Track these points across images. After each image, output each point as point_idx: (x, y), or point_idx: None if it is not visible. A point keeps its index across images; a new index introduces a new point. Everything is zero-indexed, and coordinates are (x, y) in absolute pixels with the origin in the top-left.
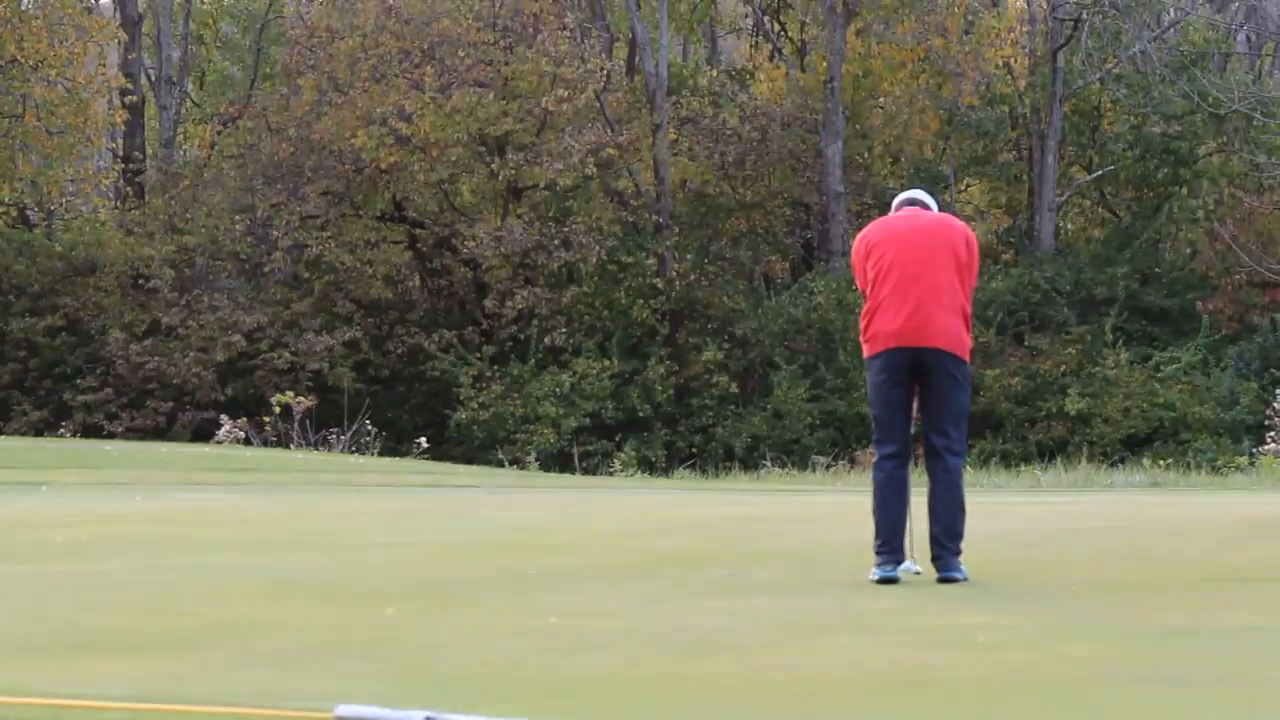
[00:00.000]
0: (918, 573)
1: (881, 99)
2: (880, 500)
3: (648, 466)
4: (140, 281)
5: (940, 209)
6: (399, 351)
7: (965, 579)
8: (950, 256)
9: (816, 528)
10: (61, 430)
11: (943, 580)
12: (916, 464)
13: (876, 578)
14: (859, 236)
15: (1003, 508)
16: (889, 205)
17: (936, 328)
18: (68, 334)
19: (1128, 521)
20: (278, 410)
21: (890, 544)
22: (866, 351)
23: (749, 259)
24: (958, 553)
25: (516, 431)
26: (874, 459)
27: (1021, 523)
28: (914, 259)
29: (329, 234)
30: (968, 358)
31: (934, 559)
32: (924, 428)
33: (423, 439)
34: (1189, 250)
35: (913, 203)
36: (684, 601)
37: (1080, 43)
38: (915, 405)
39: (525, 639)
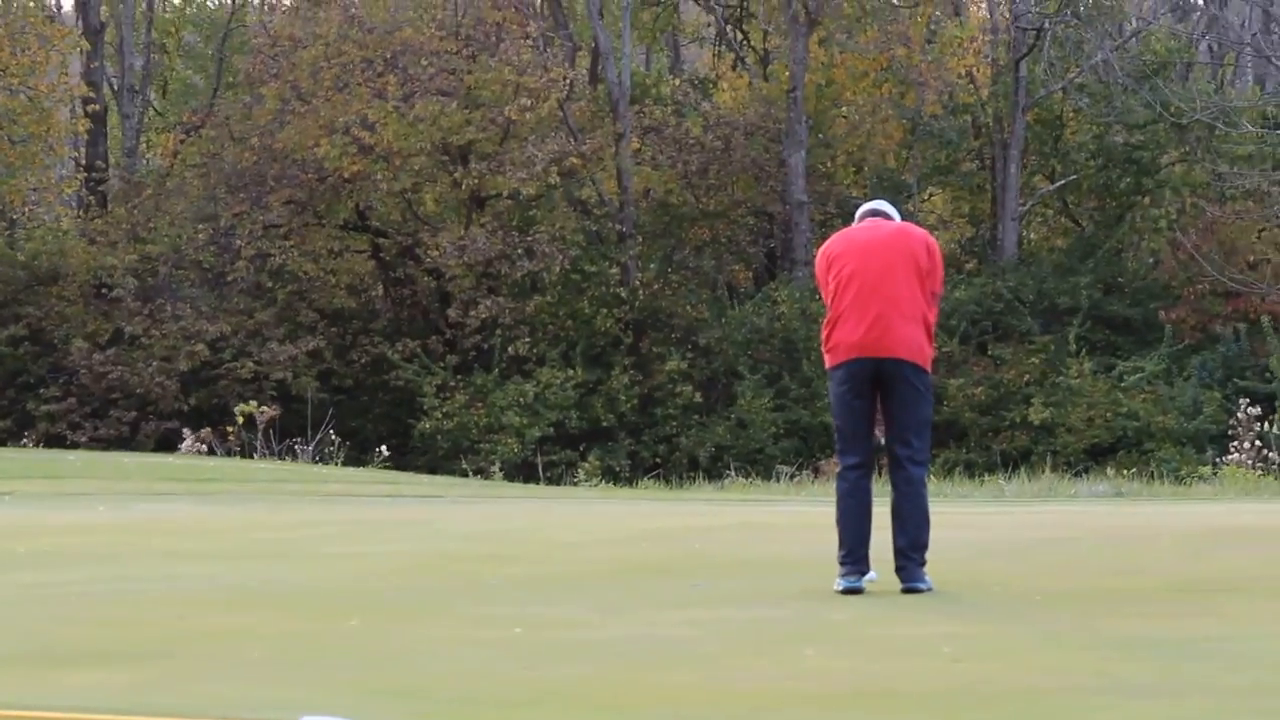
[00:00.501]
0: (873, 579)
1: (844, 108)
2: (844, 511)
3: (612, 476)
4: (103, 291)
5: (903, 218)
6: (362, 361)
7: (930, 589)
8: (911, 265)
9: (781, 537)
10: (24, 440)
11: (907, 591)
12: (880, 474)
13: (841, 588)
14: (821, 249)
15: (967, 517)
16: (852, 214)
17: (897, 338)
18: (30, 343)
19: (1091, 531)
20: (241, 420)
21: (855, 554)
22: (828, 362)
23: (712, 268)
24: (922, 563)
25: (480, 441)
26: (837, 469)
27: (985, 533)
28: (875, 269)
29: (292, 243)
30: (929, 367)
31: (898, 570)
32: (886, 438)
33: (384, 448)
34: (1152, 260)
35: (875, 214)
36: (648, 612)
37: (1042, 52)
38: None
39: (489, 649)
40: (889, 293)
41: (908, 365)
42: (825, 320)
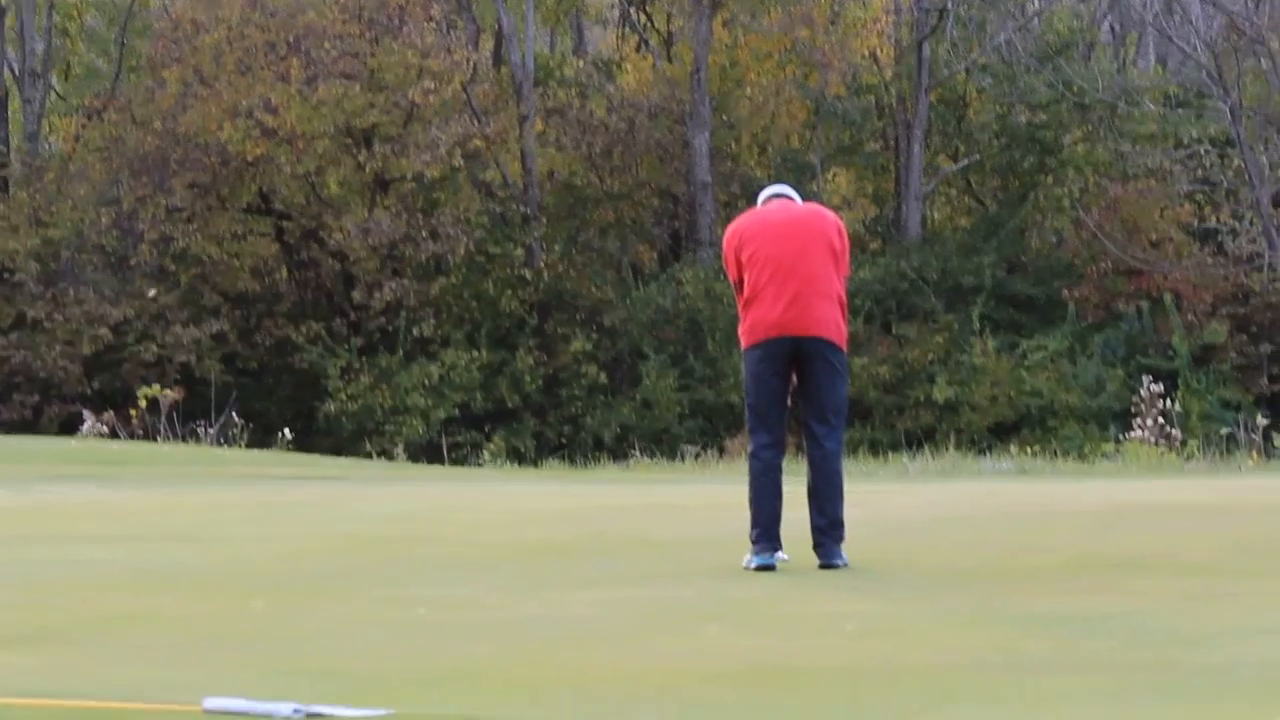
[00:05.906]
0: (785, 560)
1: (748, 89)
2: (758, 490)
3: (517, 457)
4: (5, 275)
5: (805, 199)
6: (267, 344)
7: (847, 565)
8: (825, 245)
9: (686, 517)
10: None
11: (825, 567)
12: (797, 453)
13: (755, 565)
14: (730, 227)
15: (871, 496)
16: (756, 195)
17: (815, 317)
18: None
19: (995, 509)
20: (144, 403)
21: (769, 532)
22: (745, 342)
23: (617, 249)
24: (840, 539)
25: (385, 423)
26: (749, 449)
27: (890, 511)
28: (790, 249)
29: (195, 226)
30: (845, 346)
31: (816, 546)
32: (804, 416)
33: (288, 430)
34: (1055, 239)
35: (779, 197)
36: (553, 592)
37: (946, 32)
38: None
39: (394, 631)
40: (806, 272)
41: (826, 344)
42: (740, 300)
